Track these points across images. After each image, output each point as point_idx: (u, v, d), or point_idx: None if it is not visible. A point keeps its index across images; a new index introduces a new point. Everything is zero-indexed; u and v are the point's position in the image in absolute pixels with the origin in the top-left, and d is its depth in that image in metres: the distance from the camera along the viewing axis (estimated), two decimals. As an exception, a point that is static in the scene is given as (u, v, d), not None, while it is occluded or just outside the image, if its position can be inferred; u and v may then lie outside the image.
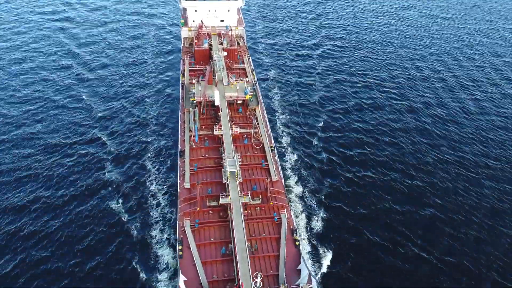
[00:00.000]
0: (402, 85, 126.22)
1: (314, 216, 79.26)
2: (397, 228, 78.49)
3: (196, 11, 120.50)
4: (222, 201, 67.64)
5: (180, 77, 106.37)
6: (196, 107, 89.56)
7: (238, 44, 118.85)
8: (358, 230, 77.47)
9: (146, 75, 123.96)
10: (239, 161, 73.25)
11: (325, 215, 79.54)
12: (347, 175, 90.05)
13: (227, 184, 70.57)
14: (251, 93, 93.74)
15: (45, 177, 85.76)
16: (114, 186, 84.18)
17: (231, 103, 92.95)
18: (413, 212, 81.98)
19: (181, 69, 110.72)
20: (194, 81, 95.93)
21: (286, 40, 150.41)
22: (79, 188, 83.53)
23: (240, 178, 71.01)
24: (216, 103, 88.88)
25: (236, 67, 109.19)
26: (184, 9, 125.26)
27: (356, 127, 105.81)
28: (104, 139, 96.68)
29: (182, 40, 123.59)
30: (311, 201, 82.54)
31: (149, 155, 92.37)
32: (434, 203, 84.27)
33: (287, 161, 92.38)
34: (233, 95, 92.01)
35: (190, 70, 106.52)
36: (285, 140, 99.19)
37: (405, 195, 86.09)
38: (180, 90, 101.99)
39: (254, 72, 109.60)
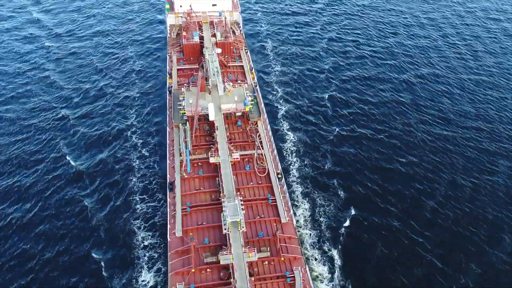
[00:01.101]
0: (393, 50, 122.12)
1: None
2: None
3: None
4: (223, 260, 55.09)
5: (167, 79, 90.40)
6: (187, 122, 75.14)
7: (234, 33, 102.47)
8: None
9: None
10: (241, 203, 59.91)
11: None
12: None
13: (228, 234, 57.83)
14: (252, 102, 79.14)
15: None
16: None
17: (228, 115, 78.68)
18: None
19: (167, 68, 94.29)
20: (183, 88, 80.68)
21: (287, 20, 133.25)
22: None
23: (243, 227, 58.20)
24: (211, 118, 74.45)
25: (233, 64, 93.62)
26: None
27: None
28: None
29: (168, 28, 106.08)
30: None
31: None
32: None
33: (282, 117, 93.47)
34: (230, 107, 77.30)
35: (178, 70, 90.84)
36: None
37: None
38: (167, 97, 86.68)
39: (253, 70, 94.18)
